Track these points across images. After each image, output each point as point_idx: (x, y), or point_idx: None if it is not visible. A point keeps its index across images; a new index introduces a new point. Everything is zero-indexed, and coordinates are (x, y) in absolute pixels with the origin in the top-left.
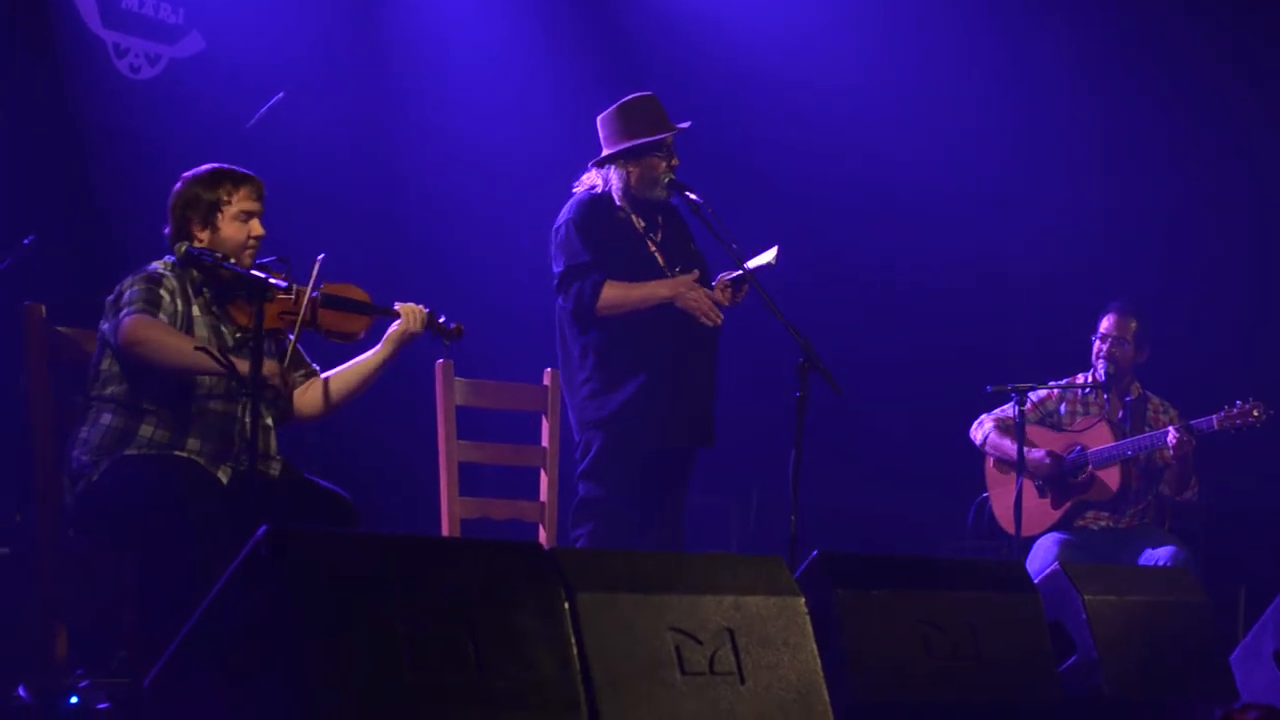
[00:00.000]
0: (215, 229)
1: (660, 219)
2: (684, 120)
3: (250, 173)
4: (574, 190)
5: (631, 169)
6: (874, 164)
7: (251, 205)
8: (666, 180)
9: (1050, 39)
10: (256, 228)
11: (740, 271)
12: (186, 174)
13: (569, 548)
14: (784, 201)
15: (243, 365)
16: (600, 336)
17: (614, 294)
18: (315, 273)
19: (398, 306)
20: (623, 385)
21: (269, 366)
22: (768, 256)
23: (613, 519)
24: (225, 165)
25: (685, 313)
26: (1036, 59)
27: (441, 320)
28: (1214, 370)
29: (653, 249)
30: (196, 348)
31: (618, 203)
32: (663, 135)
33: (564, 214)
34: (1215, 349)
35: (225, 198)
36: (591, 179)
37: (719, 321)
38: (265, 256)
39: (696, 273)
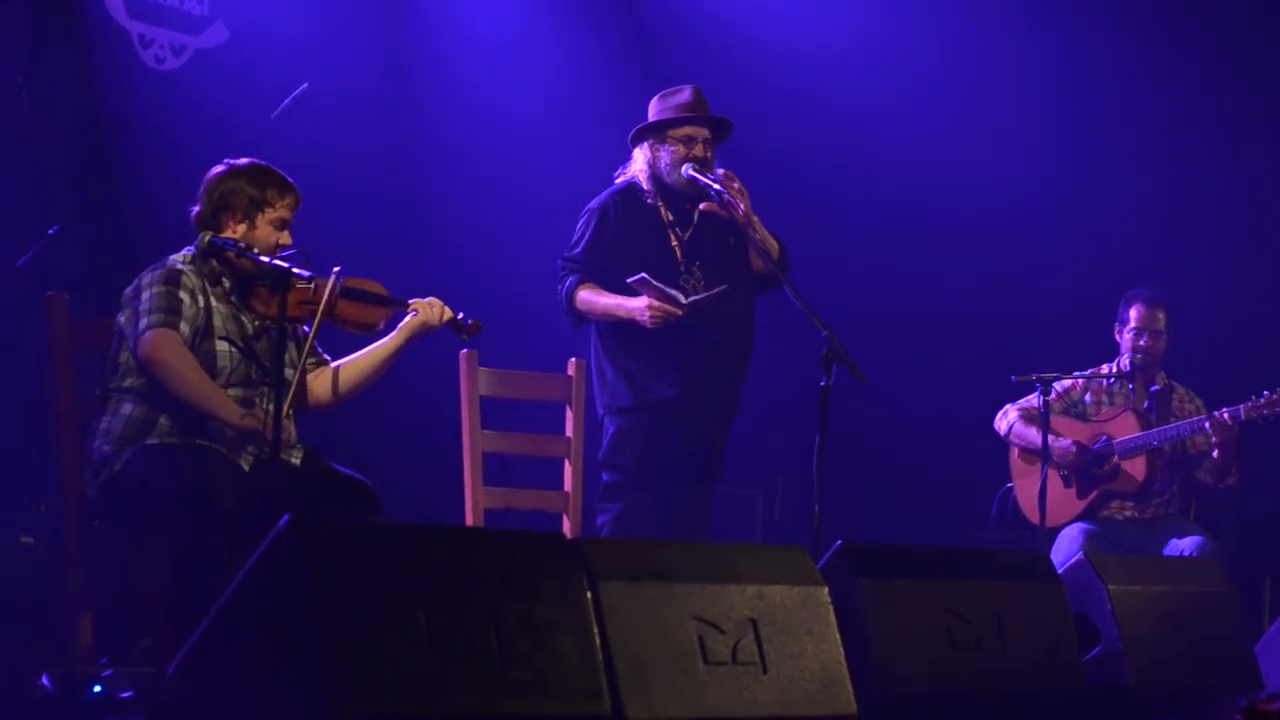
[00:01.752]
0: (253, 226)
1: (696, 215)
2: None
3: (294, 183)
4: (615, 178)
5: (657, 151)
6: (898, 153)
7: (288, 215)
8: (683, 167)
9: (1072, 35)
10: (286, 238)
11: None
12: (231, 161)
13: (592, 537)
14: (808, 192)
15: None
16: (625, 326)
17: (587, 296)
18: (334, 277)
19: (414, 301)
20: (647, 376)
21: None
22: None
23: (633, 505)
24: (270, 165)
25: (712, 309)
26: (1060, 51)
27: (460, 316)
28: (1240, 361)
29: (674, 243)
30: (211, 397)
31: (645, 187)
32: (683, 116)
33: (595, 200)
34: (1242, 339)
35: (270, 200)
36: (631, 165)
37: (677, 311)
38: (286, 250)
39: (649, 301)
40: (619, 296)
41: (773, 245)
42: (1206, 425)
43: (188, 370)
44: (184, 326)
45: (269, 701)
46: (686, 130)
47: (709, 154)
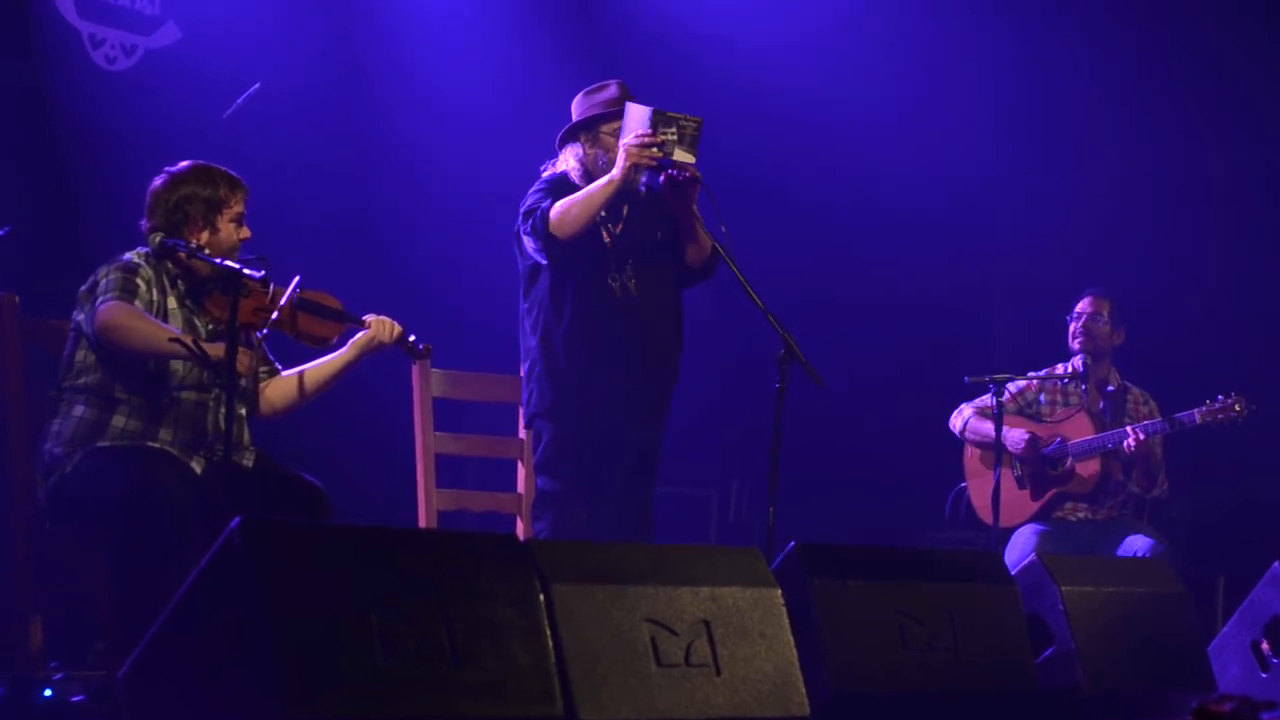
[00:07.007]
0: (215, 230)
1: (626, 209)
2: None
3: (236, 175)
4: (541, 172)
5: (588, 149)
6: (849, 149)
7: (243, 209)
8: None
9: (1026, 28)
10: (246, 231)
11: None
12: (169, 169)
13: (546, 540)
14: (762, 188)
15: (214, 350)
16: (554, 328)
17: (561, 207)
18: (293, 284)
19: (369, 318)
20: (571, 376)
21: (241, 356)
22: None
23: (569, 512)
24: (211, 164)
25: (643, 310)
26: (1017, 45)
27: (412, 339)
28: (1195, 364)
29: (606, 238)
30: (171, 338)
31: (577, 183)
32: (615, 110)
33: (536, 183)
34: (1199, 342)
35: (225, 198)
36: (559, 163)
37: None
38: (243, 254)
39: (623, 144)
40: (587, 188)
41: (706, 244)
42: (1126, 441)
43: (141, 324)
44: (138, 304)
45: (220, 704)
46: (618, 124)
47: None
